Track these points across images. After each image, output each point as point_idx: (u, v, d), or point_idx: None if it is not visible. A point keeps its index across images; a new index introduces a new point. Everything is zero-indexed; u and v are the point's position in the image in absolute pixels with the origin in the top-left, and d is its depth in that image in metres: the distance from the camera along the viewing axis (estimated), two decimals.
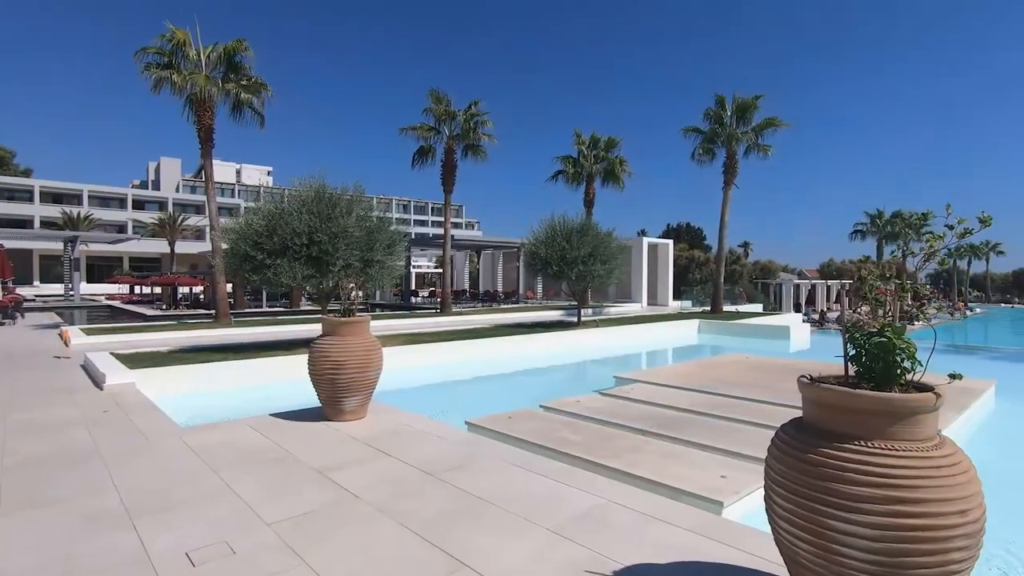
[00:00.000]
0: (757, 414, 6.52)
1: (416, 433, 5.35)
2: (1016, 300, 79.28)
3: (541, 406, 7.02)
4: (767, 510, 2.55)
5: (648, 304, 31.95)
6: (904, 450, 2.18)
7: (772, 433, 5.41)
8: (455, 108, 21.85)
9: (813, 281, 53.62)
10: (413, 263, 43.16)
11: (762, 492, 4.67)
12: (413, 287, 40.19)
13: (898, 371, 2.32)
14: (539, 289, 35.11)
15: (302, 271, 9.67)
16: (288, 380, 8.95)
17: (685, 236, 73.24)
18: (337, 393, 5.65)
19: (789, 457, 2.41)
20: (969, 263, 65.37)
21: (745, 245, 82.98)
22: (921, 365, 2.33)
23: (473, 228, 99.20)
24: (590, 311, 24.35)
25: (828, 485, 2.19)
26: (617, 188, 27.56)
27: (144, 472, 4.31)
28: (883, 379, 2.35)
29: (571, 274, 15.45)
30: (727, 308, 27.08)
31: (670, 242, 33.94)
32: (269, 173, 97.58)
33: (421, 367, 11.47)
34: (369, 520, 3.44)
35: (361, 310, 6.26)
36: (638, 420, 6.24)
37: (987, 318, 48.45)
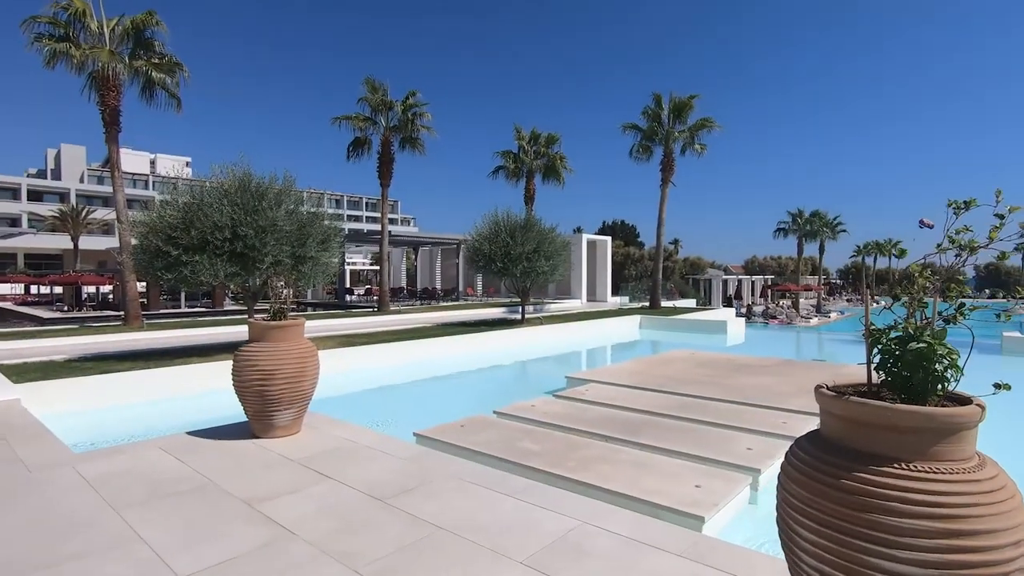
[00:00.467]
0: (716, 414, 6.37)
1: (359, 449, 4.78)
2: None
3: (495, 412, 6.58)
4: (783, 539, 2.21)
5: (588, 300, 32.21)
6: (949, 472, 1.90)
7: (736, 435, 5.20)
8: (392, 98, 20.96)
9: (739, 277, 56.27)
10: (347, 260, 41.58)
11: (736, 502, 4.51)
12: (348, 285, 38.68)
13: (938, 382, 2.05)
14: (479, 286, 34.65)
15: (225, 268, 8.74)
16: (208, 391, 8.06)
17: (620, 233, 74.90)
18: (267, 407, 4.98)
19: (815, 482, 2.08)
20: (875, 260, 70.64)
21: (675, 242, 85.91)
22: (962, 374, 2.06)
23: (409, 224, 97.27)
24: (531, 308, 24.16)
25: (869, 517, 1.87)
26: (557, 184, 27.51)
27: (22, 517, 3.51)
28: (919, 391, 2.07)
29: (516, 271, 15.10)
30: (663, 303, 27.71)
31: (608, 239, 34.36)
32: (188, 164, 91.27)
33: (360, 371, 10.75)
34: (310, 566, 2.88)
35: (293, 311, 5.59)
36: (600, 425, 5.93)
37: (896, 309, 52.45)
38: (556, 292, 34.79)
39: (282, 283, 5.38)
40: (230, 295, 24.45)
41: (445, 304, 25.93)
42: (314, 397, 5.34)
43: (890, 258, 76.83)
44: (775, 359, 10.69)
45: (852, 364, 10.52)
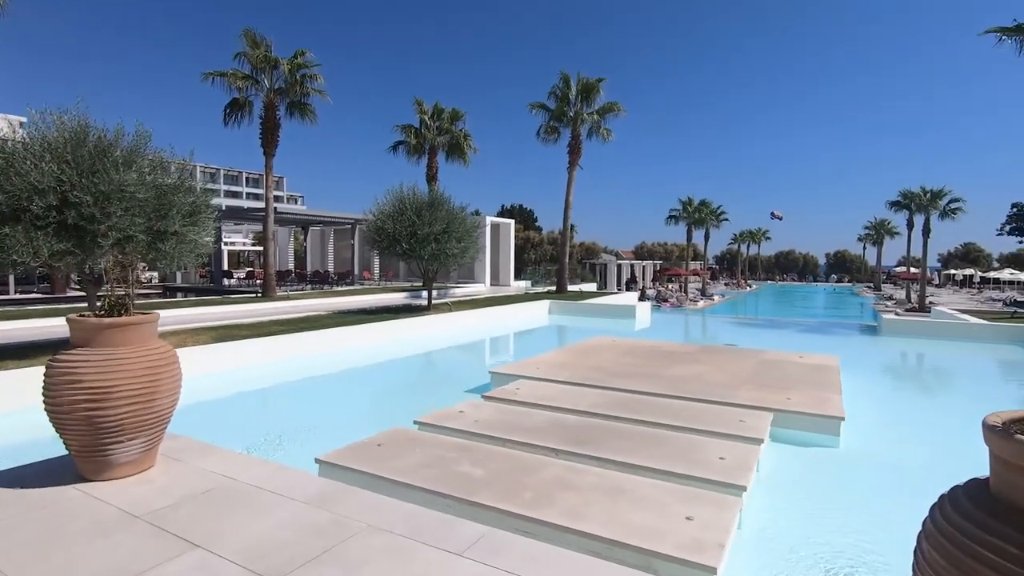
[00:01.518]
0: (669, 414, 5.73)
1: (241, 491, 3.46)
2: (778, 276, 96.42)
3: (417, 423, 5.45)
4: None
5: (491, 285, 31.47)
6: None
7: (700, 440, 4.46)
8: (277, 56, 18.47)
9: (631, 262, 58.63)
10: (225, 239, 37.41)
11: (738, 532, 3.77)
12: (226, 267, 34.85)
13: None
14: (376, 269, 32.62)
15: (50, 245, 6.70)
16: (21, 409, 6.12)
17: (518, 217, 75.01)
18: (101, 439, 3.49)
19: (993, 570, 1.26)
20: (748, 247, 77.07)
21: (571, 228, 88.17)
22: None
23: (296, 203, 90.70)
24: (435, 293, 22.91)
25: None
26: (461, 163, 26.28)
27: None
28: None
29: (423, 253, 13.82)
30: (541, 288, 27.66)
31: (511, 222, 33.77)
32: (22, 125, 77.88)
33: (240, 371, 9.04)
34: None
35: (144, 305, 4.05)
36: (546, 434, 5.02)
37: (762, 292, 57.43)
38: (459, 276, 33.70)
39: (121, 263, 3.83)
40: (75, 280, 20.64)
41: (340, 289, 23.88)
42: (179, 407, 3.91)
43: (760, 245, 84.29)
44: (694, 345, 10.48)
45: (771, 349, 10.61)
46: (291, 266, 33.92)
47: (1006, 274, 56.88)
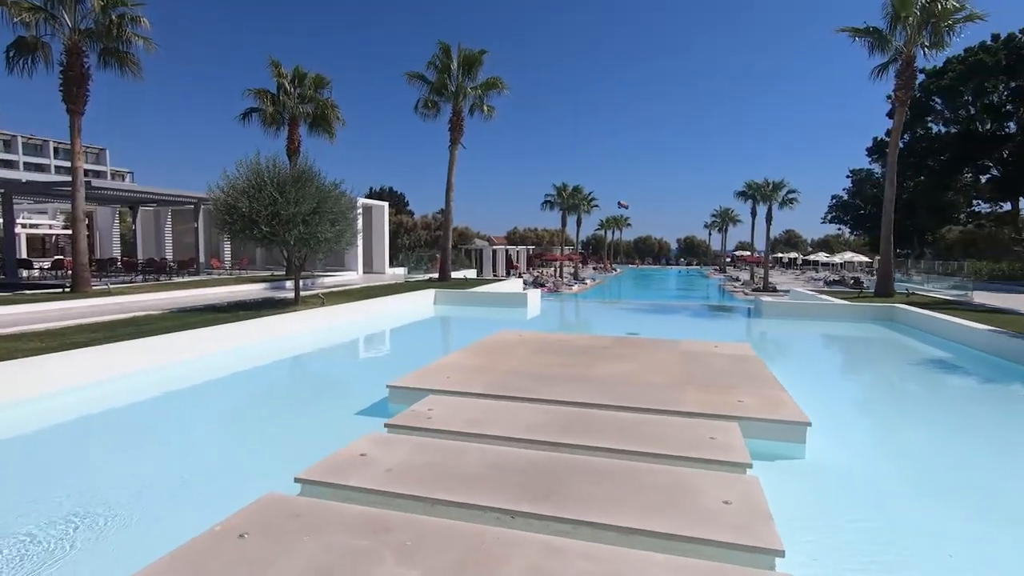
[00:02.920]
0: (624, 433, 4.66)
1: None
2: (637, 260, 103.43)
3: (299, 481, 3.77)
4: None
5: (364, 272, 29.04)
6: None
7: (683, 473, 3.40)
8: None
9: (506, 247, 58.57)
10: (24, 220, 30.43)
11: None
12: (24, 254, 28.39)
13: None
14: (227, 256, 28.49)
15: None
16: None
17: (389, 201, 71.57)
18: None
19: None
20: (613, 233, 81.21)
21: (443, 212, 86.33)
22: None
23: (123, 180, 78.13)
24: (302, 284, 20.27)
25: None
26: (327, 138, 23.47)
27: None
28: None
29: (289, 237, 11.55)
30: (427, 276, 26.24)
31: (385, 204, 31.48)
32: None
33: (20, 405, 6.45)
34: None
35: None
36: (489, 483, 3.66)
37: (625, 275, 60.71)
38: (327, 263, 30.76)
39: None
40: None
41: (182, 280, 20.14)
42: None
43: (622, 231, 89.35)
44: (606, 338, 9.69)
45: (682, 339, 9.72)
46: (117, 253, 28.41)
47: (822, 257, 65.83)
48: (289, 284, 17.15)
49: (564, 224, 45.01)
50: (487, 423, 4.92)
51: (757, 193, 40.78)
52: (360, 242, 28.24)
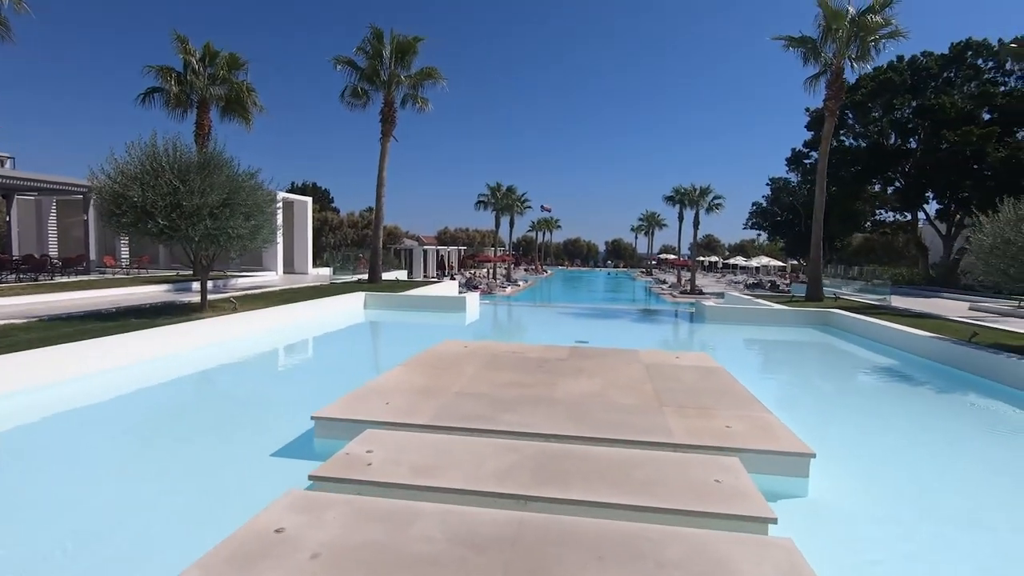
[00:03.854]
0: (615, 479, 3.82)
1: None
2: (567, 262, 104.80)
3: None
4: None
5: (285, 272, 26.93)
6: None
7: (699, 539, 2.71)
8: None
9: (437, 247, 57.11)
10: None
11: None
12: None
13: None
14: (124, 254, 25.47)
15: None
16: None
17: (313, 197, 67.99)
18: None
19: None
20: (543, 235, 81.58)
21: (371, 211, 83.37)
22: None
23: (2, 165, 69.30)
24: (211, 285, 18.23)
25: None
26: (243, 124, 21.35)
27: None
28: None
29: (193, 232, 9.91)
30: (355, 277, 24.70)
31: (308, 200, 29.42)
32: None
33: None
34: None
35: None
36: (455, 569, 2.68)
37: (556, 277, 60.96)
38: (243, 263, 28.33)
39: None
40: None
41: (66, 281, 17.49)
42: None
43: (552, 233, 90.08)
44: (559, 348, 8.90)
45: (638, 349, 8.60)
46: None
47: (740, 261, 69.23)
48: (196, 286, 15.19)
49: (498, 225, 44.30)
50: (443, 469, 3.92)
51: (685, 198, 41.86)
52: (280, 240, 26.13)
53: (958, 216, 32.35)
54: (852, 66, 17.48)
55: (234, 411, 6.92)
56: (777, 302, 17.10)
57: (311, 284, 20.05)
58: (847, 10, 16.41)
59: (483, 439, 4.59)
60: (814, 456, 4.44)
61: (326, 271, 28.80)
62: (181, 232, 9.90)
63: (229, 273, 22.29)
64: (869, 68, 21.02)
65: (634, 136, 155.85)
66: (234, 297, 13.24)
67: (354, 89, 20.07)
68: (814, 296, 17.82)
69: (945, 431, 6.91)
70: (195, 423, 6.35)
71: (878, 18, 16.09)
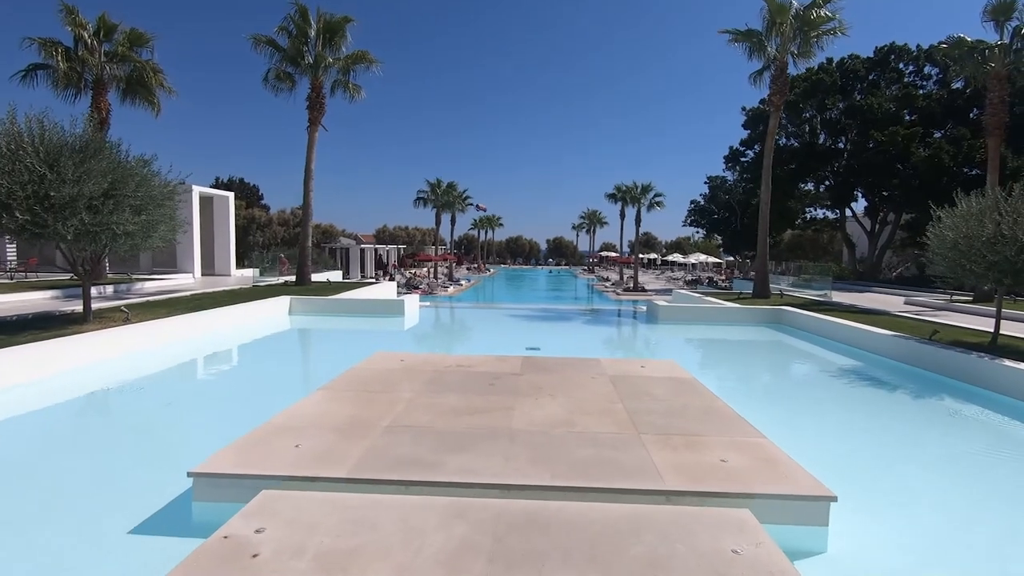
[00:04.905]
0: (593, 556, 2.79)
1: None
2: (509, 261, 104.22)
3: None
4: None
5: (204, 274, 24.54)
6: None
7: None
8: None
9: (375, 246, 54.87)
10: None
11: None
12: None
13: None
14: (10, 255, 22.36)
15: None
16: None
17: (239, 194, 63.84)
18: None
19: None
20: (486, 233, 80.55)
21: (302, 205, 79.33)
22: None
23: None
24: (112, 290, 16.10)
25: None
26: (149, 109, 18.99)
27: None
28: None
29: (64, 229, 8.15)
30: (273, 279, 22.80)
31: (230, 195, 27.05)
32: None
33: None
34: None
35: None
36: None
37: (499, 275, 60.11)
38: (155, 264, 25.74)
39: None
40: None
41: None
42: None
43: (494, 231, 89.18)
44: (512, 358, 7.86)
45: (600, 358, 7.47)
46: None
47: (678, 258, 70.73)
48: (96, 292, 13.09)
49: (438, 223, 42.78)
50: (364, 559, 2.76)
51: (627, 195, 41.88)
52: (198, 238, 23.77)
53: (881, 213, 33.88)
54: (795, 62, 17.45)
55: (87, 465, 5.11)
56: (727, 299, 16.81)
57: (231, 288, 18.07)
58: (791, 3, 16.29)
59: (423, 498, 3.46)
60: (835, 500, 3.59)
61: (252, 273, 26.51)
62: (49, 228, 8.11)
63: (135, 276, 19.88)
64: (813, 63, 21.27)
65: (576, 134, 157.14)
66: (125, 306, 11.35)
67: (277, 72, 18.22)
68: (762, 293, 17.68)
69: (963, 456, 5.91)
70: (25, 489, 4.52)
71: (822, 12, 16.05)
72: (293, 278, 19.86)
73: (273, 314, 13.69)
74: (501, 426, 4.77)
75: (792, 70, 18.21)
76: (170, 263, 24.67)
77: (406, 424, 4.76)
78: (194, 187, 23.50)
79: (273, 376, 9.10)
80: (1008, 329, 11.48)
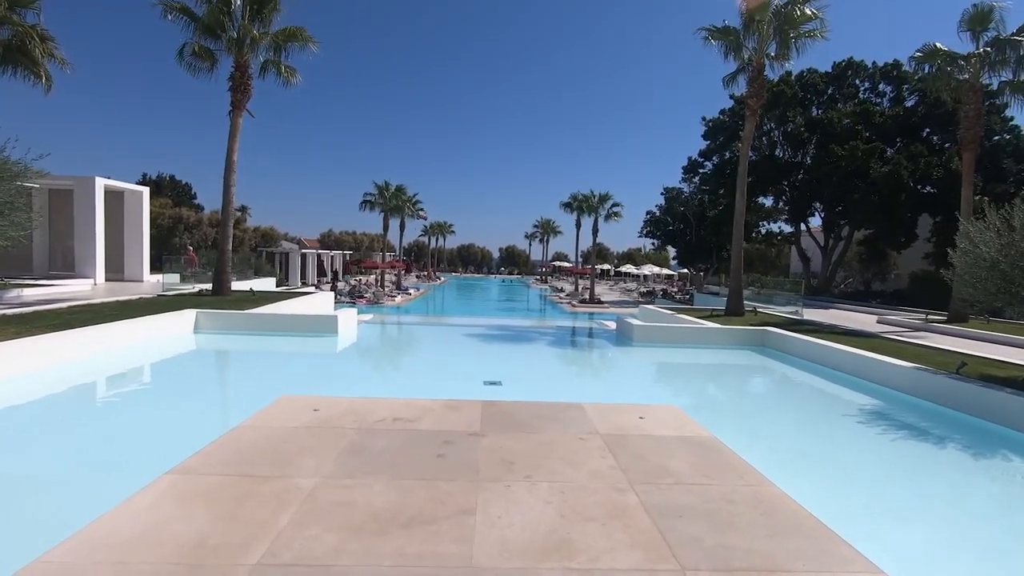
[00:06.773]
0: None
1: None
2: (461, 269, 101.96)
3: None
4: None
5: (109, 280, 21.34)
6: None
7: None
8: None
9: (319, 251, 51.56)
10: None
11: None
12: None
13: None
14: None
15: None
16: None
17: (169, 191, 59.00)
18: None
19: None
20: (437, 240, 78.14)
21: (244, 209, 74.55)
22: None
23: None
24: None
25: None
26: (38, 83, 15.94)
27: None
28: None
29: None
30: (235, 285, 20.02)
31: (144, 190, 23.82)
32: None
33: None
34: None
35: None
36: None
37: (450, 284, 57.90)
38: (51, 267, 22.31)
39: None
40: None
41: None
42: None
43: (446, 239, 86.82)
44: (471, 405, 5.88)
45: (583, 402, 5.71)
46: None
47: (631, 269, 70.48)
48: None
49: (386, 228, 40.21)
50: None
51: (583, 205, 40.65)
52: (101, 238, 20.60)
53: (838, 228, 33.89)
54: (771, 65, 16.40)
55: None
56: (699, 316, 15.42)
57: (131, 297, 15.24)
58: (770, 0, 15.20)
59: None
60: None
61: (168, 278, 23.35)
62: None
63: (13, 283, 16.67)
64: (790, 67, 20.44)
65: (528, 142, 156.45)
66: None
67: (194, 47, 15.61)
68: (735, 310, 16.41)
69: None
70: None
71: (806, 10, 15.03)
72: (209, 286, 17.12)
73: (172, 333, 11.15)
74: (454, 561, 2.81)
75: (770, 73, 17.18)
76: (67, 265, 21.33)
77: (288, 561, 2.73)
78: (98, 179, 20.37)
79: (128, 438, 5.99)
80: (1007, 355, 10.50)
